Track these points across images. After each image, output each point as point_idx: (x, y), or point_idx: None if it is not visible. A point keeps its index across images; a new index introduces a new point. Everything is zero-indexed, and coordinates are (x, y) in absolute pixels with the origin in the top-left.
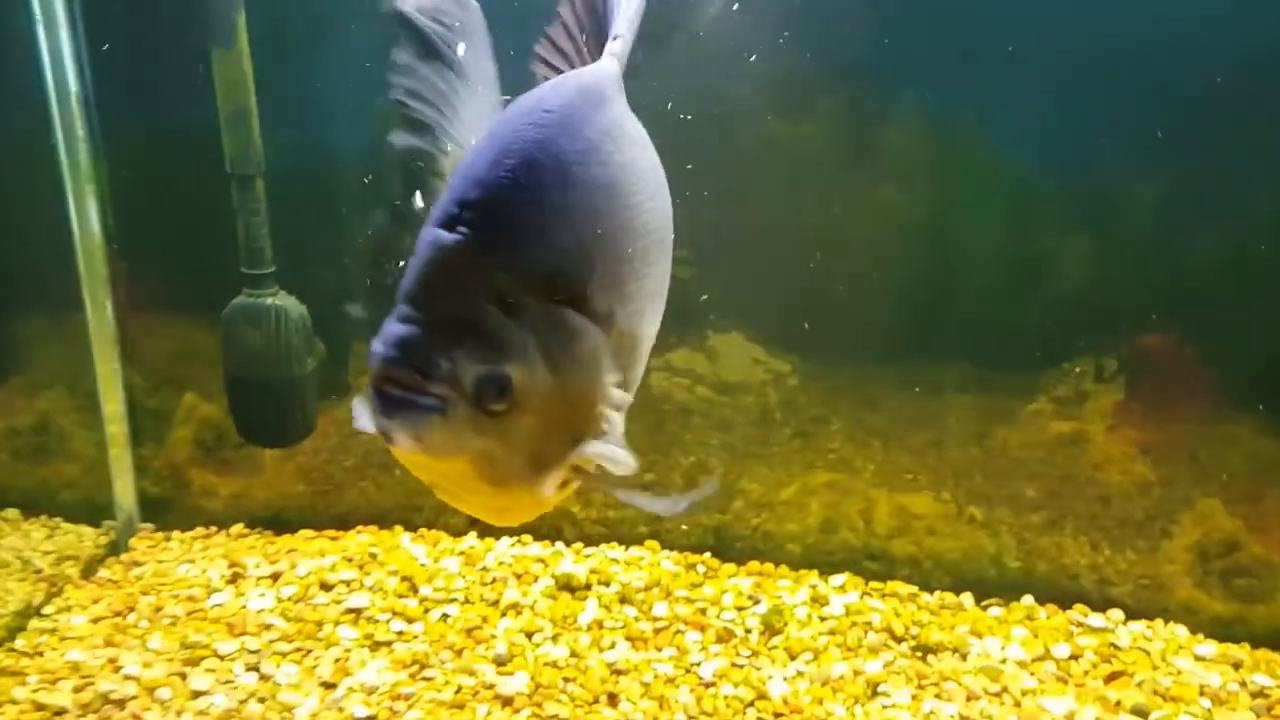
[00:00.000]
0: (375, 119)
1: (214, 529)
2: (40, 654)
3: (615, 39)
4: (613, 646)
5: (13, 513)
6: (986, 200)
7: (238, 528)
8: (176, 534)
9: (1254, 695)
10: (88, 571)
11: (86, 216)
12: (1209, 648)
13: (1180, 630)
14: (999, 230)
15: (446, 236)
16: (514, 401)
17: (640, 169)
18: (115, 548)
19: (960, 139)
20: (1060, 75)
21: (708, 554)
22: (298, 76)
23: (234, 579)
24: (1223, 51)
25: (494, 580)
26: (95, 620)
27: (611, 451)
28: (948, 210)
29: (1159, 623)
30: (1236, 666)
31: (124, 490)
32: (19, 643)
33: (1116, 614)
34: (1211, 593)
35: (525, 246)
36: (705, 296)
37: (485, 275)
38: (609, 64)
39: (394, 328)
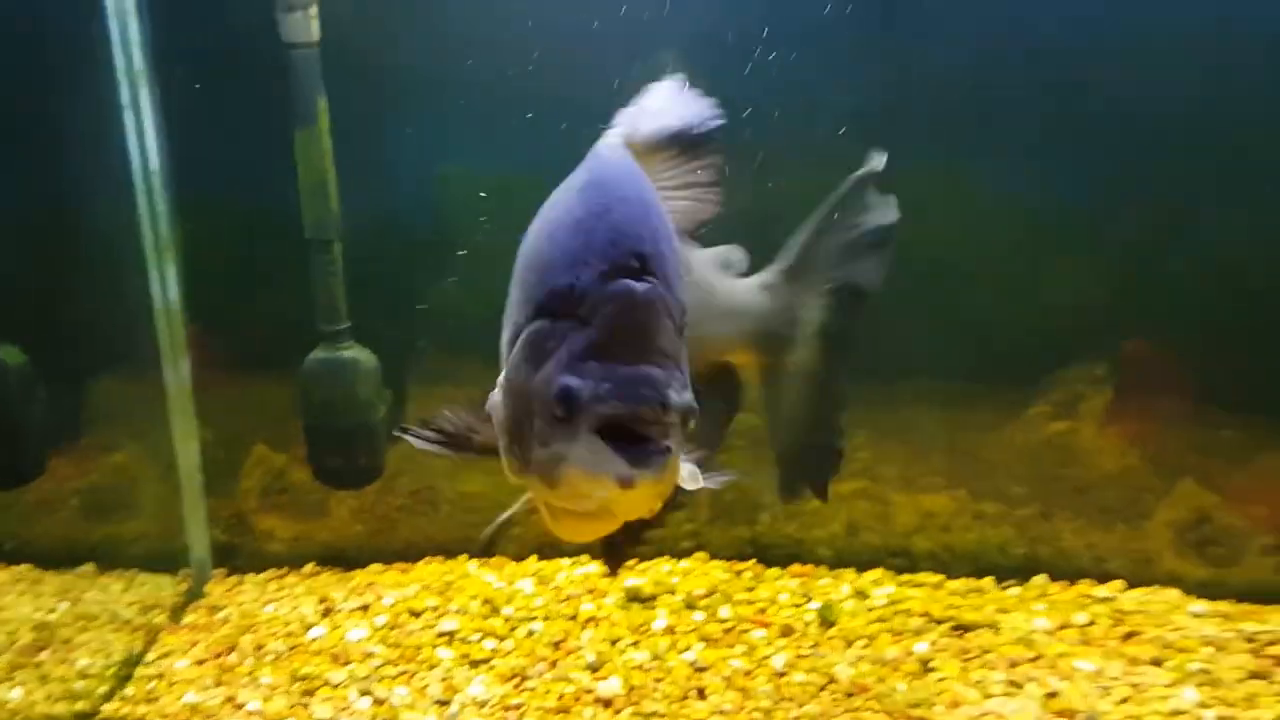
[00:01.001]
0: (434, 187)
1: (284, 570)
2: (155, 699)
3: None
4: (689, 648)
5: (88, 567)
6: (990, 230)
7: (309, 567)
8: (249, 577)
9: (1247, 640)
10: (174, 618)
11: (166, 285)
12: (1200, 606)
13: (1173, 594)
14: (1001, 256)
15: (639, 286)
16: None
17: None
18: (192, 594)
19: (967, 178)
20: (1052, 115)
21: (751, 560)
22: (368, 150)
23: (327, 613)
24: (1195, 96)
25: (568, 597)
26: (199, 663)
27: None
28: (956, 241)
29: (1154, 589)
30: (1227, 619)
31: (198, 539)
32: (129, 691)
33: (1118, 584)
34: (1190, 560)
35: (677, 285)
36: None
37: (669, 315)
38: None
39: (629, 371)
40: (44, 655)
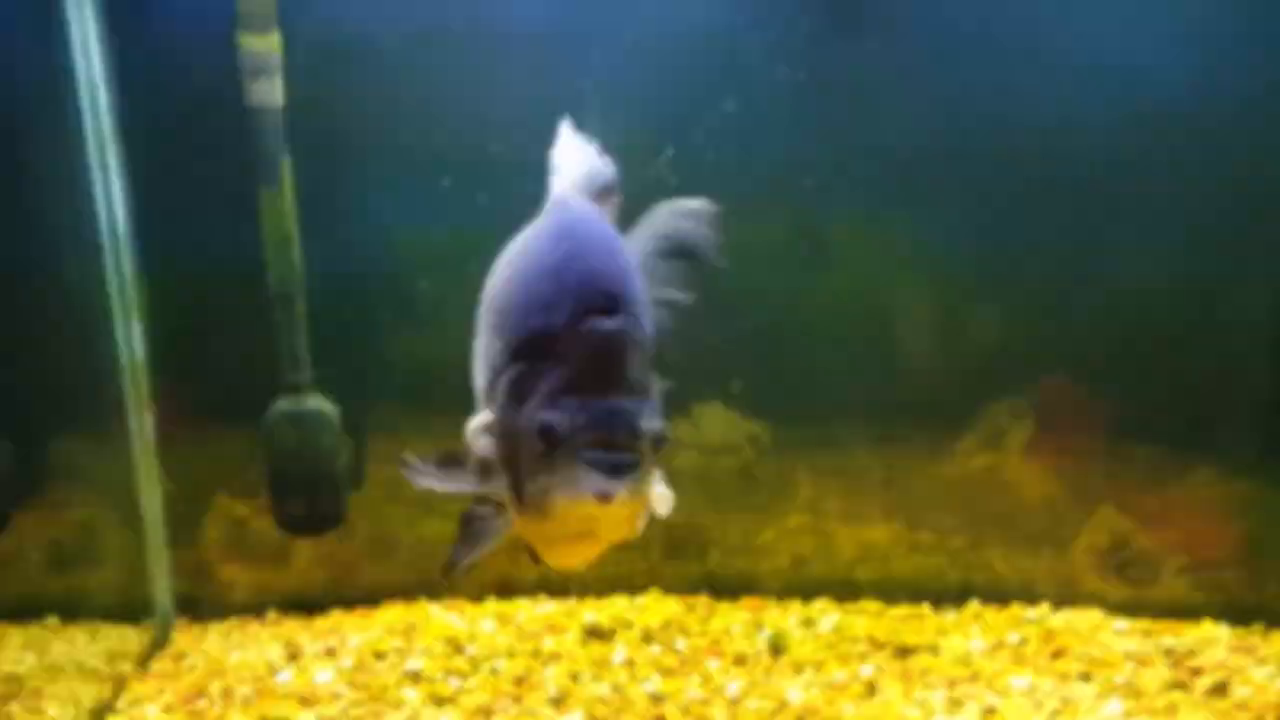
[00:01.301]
0: (393, 244)
1: (248, 617)
2: None
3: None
4: (647, 679)
5: (52, 620)
6: (915, 280)
7: (273, 613)
8: (213, 625)
9: (1166, 654)
10: (141, 666)
11: (132, 340)
12: (1122, 623)
13: (1097, 613)
14: (926, 303)
15: (608, 324)
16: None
17: None
18: (158, 643)
19: (893, 232)
20: (968, 173)
21: (704, 594)
22: (329, 207)
23: (293, 657)
24: (1098, 146)
25: (529, 635)
26: (168, 709)
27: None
28: (885, 290)
29: (1079, 609)
30: (1148, 634)
31: (161, 589)
32: None
33: (1045, 606)
34: (1111, 581)
35: (645, 319)
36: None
37: (638, 348)
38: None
39: (603, 404)
40: (13, 706)
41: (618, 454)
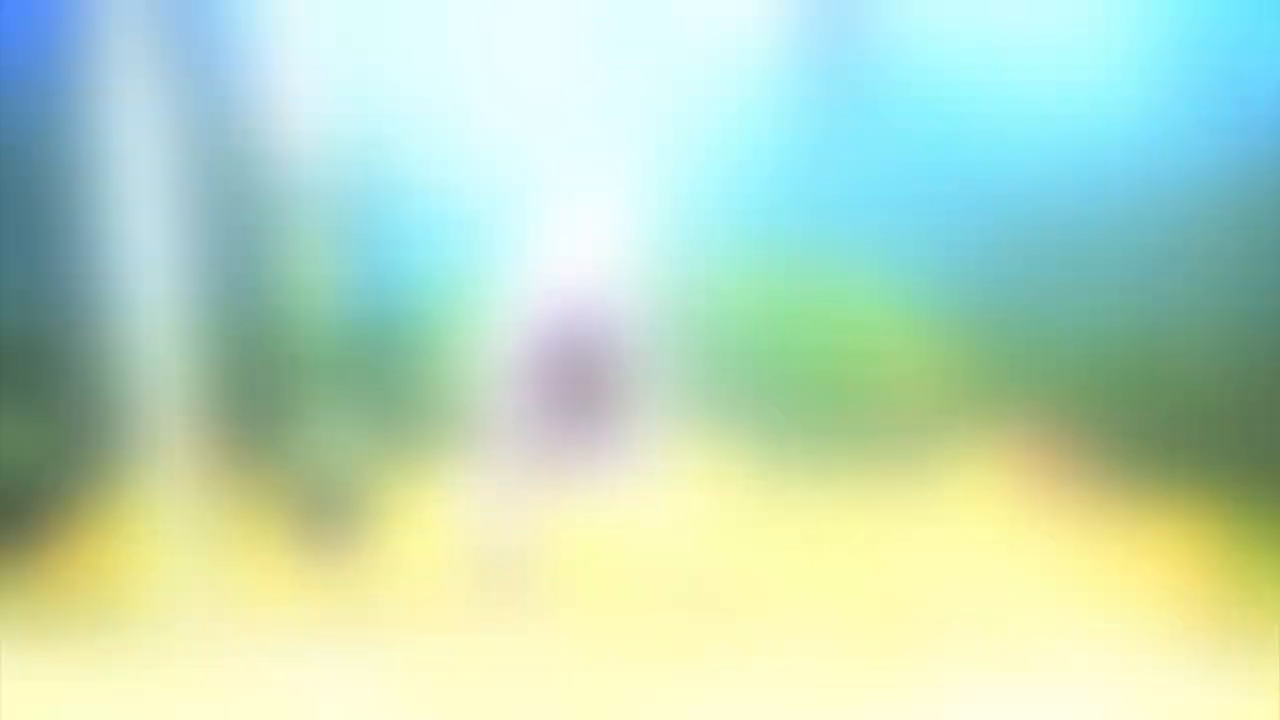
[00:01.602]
0: (414, 281)
1: (270, 638)
2: None
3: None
4: (648, 706)
5: (73, 639)
6: (893, 330)
7: (292, 637)
8: (234, 646)
9: (1146, 682)
10: (166, 687)
11: (162, 378)
12: (1099, 656)
13: (1074, 646)
14: (907, 340)
15: (593, 358)
16: None
17: None
18: (182, 662)
19: (878, 273)
20: (937, 226)
21: (694, 623)
22: (356, 253)
23: (315, 677)
24: (1060, 190)
25: (540, 657)
26: None
27: None
28: (869, 327)
29: (1058, 643)
30: (1127, 663)
31: (185, 613)
32: None
33: (1025, 634)
34: (1087, 616)
35: (628, 348)
36: (722, 417)
37: (618, 375)
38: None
39: (588, 431)
40: None
41: (598, 471)
